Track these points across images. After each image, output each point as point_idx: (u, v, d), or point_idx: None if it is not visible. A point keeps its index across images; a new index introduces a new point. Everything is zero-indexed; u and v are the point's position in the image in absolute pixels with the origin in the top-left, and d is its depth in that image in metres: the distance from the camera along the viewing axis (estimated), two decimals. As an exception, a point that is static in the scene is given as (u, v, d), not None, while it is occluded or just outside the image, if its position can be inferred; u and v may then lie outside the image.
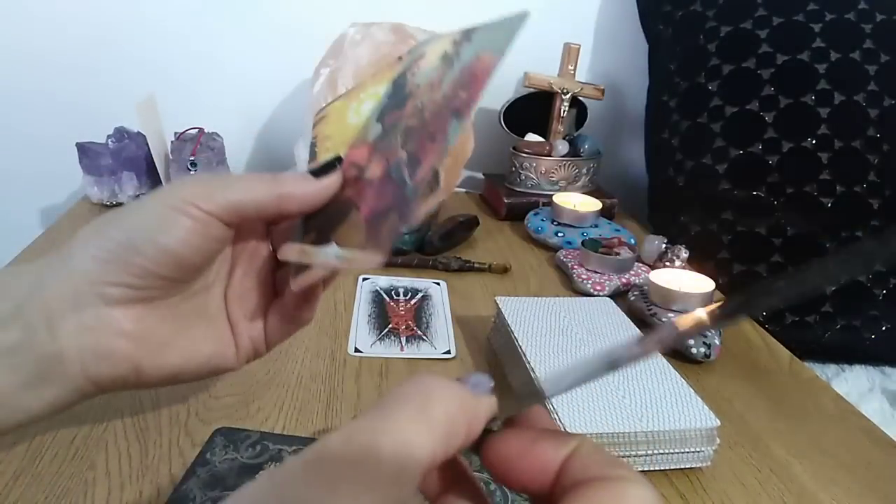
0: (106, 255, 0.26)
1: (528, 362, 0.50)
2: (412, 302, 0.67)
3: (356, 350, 0.58)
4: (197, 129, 0.90)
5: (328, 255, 0.31)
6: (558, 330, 0.55)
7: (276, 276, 0.35)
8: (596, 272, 0.74)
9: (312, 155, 0.38)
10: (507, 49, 0.30)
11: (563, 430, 0.42)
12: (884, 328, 0.80)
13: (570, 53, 0.99)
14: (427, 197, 0.33)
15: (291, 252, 0.33)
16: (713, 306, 0.19)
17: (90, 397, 0.29)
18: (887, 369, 0.82)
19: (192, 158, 0.87)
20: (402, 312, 0.65)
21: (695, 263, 0.73)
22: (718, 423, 0.45)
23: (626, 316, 0.58)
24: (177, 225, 0.27)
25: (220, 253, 0.31)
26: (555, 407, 0.44)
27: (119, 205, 0.89)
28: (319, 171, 0.32)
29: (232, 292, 0.33)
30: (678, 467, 0.45)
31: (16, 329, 0.25)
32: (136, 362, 0.29)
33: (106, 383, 0.28)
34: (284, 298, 0.34)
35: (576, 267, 0.75)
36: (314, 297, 0.34)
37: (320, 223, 0.33)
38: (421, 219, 0.78)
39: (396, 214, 0.30)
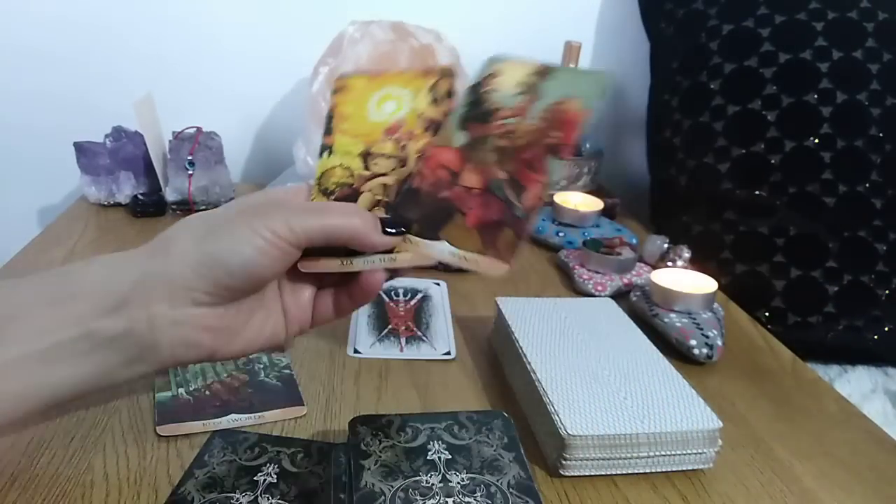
0: (202, 270, 0.32)
1: (529, 363, 0.49)
2: (412, 302, 0.67)
3: (356, 351, 0.58)
4: (195, 128, 0.89)
5: (442, 251, 0.35)
6: (559, 331, 0.54)
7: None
8: (597, 272, 0.73)
9: (328, 130, 0.40)
10: (595, 102, 0.34)
11: (564, 432, 0.42)
12: (887, 329, 0.79)
13: (571, 52, 0.99)
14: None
15: (388, 241, 0.36)
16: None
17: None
18: (890, 370, 0.81)
19: (189, 157, 0.86)
20: (402, 313, 0.65)
21: (697, 263, 0.73)
22: (720, 424, 0.44)
23: (627, 316, 0.58)
24: (266, 256, 0.33)
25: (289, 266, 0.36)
26: (556, 409, 0.44)
27: (117, 205, 0.89)
28: (391, 231, 0.35)
29: (284, 284, 0.38)
30: (680, 469, 0.45)
31: (122, 320, 0.31)
32: (214, 349, 0.35)
33: (185, 363, 0.35)
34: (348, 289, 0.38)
35: (577, 267, 0.75)
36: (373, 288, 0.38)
37: (423, 216, 0.36)
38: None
39: (512, 231, 0.34)
